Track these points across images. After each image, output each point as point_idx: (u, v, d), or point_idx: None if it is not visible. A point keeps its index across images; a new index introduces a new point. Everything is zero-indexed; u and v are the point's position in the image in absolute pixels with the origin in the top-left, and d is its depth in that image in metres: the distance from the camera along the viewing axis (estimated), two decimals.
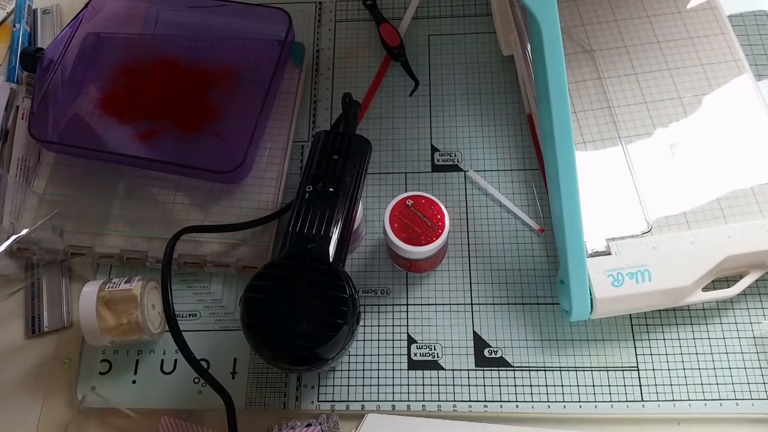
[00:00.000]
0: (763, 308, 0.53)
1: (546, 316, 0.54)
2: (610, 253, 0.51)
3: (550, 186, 0.50)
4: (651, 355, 0.52)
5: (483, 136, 0.62)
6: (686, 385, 0.51)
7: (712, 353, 0.52)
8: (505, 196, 0.59)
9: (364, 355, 0.54)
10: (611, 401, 0.51)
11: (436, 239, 0.51)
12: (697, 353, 0.52)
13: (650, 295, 0.50)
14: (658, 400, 0.51)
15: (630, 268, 0.50)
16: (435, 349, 0.54)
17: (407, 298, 0.56)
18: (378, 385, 0.53)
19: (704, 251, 0.51)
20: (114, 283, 0.53)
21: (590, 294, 0.50)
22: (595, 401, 0.51)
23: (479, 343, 0.54)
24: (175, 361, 0.55)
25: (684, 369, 0.52)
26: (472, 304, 0.55)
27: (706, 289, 0.51)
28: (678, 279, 0.50)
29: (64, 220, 0.59)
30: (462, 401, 0.52)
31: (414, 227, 0.51)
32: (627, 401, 0.51)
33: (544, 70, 0.44)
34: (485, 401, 0.52)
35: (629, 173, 0.55)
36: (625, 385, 0.52)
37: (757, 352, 0.52)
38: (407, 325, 0.55)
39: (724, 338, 0.53)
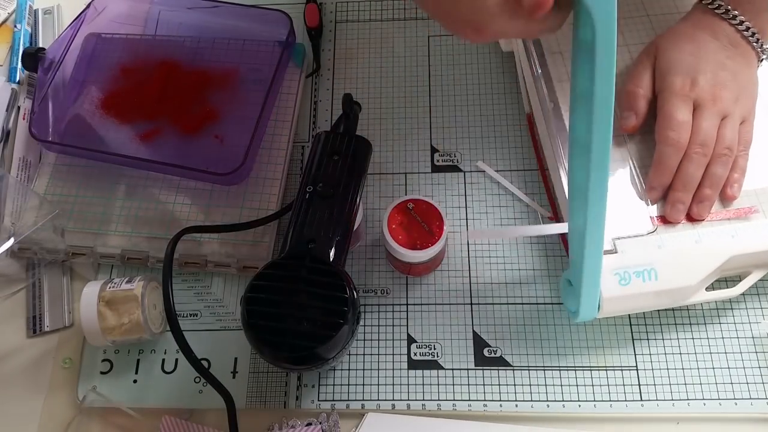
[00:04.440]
0: (761, 308, 0.53)
1: (545, 315, 0.54)
2: (616, 252, 0.51)
3: (571, 191, 0.47)
4: (650, 354, 0.52)
5: (483, 136, 0.62)
6: (685, 384, 0.51)
7: (710, 353, 0.52)
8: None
9: (364, 355, 0.54)
10: (610, 401, 0.51)
11: (433, 245, 0.51)
12: (695, 353, 0.52)
13: (656, 294, 0.49)
14: (657, 400, 0.51)
15: (636, 267, 0.50)
16: (435, 349, 0.54)
17: (407, 297, 0.56)
18: (378, 385, 0.53)
19: (709, 250, 0.50)
20: (115, 283, 0.53)
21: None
22: (594, 401, 0.51)
23: (479, 343, 0.54)
24: (176, 360, 0.55)
25: (683, 369, 0.52)
26: (471, 304, 0.55)
27: (709, 288, 0.51)
28: (683, 278, 0.50)
29: (65, 220, 0.59)
30: (461, 400, 0.52)
31: (412, 232, 0.51)
32: (626, 401, 0.51)
33: (592, 70, 0.38)
34: (485, 400, 0.52)
35: (634, 172, 0.55)
36: (624, 385, 0.52)
37: (756, 352, 0.52)
38: (407, 325, 0.55)
39: (722, 338, 0.53)
